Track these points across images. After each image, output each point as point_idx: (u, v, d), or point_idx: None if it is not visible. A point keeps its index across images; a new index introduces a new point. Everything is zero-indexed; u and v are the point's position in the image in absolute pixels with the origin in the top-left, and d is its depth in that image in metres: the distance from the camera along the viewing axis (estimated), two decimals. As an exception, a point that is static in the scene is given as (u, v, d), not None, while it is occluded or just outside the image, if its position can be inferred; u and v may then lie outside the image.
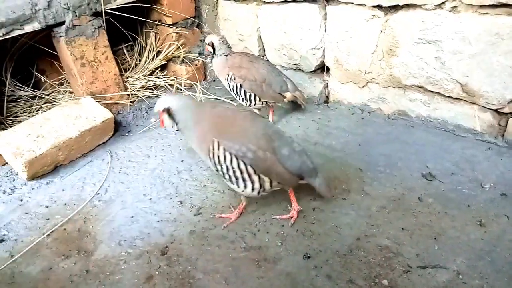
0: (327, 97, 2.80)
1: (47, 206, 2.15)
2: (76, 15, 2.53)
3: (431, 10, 2.07)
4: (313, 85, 2.79)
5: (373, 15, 2.30)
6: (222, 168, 1.66)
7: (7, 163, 2.44)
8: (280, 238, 1.80)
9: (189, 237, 1.87)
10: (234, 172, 1.64)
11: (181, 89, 3.12)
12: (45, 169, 2.35)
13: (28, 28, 2.37)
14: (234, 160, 1.61)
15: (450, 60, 2.11)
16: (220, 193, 2.12)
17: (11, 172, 2.41)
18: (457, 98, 2.21)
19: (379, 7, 2.26)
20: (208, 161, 1.71)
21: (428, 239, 1.70)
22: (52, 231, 1.97)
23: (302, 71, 2.85)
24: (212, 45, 2.43)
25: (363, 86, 2.56)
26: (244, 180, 1.66)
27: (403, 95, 2.42)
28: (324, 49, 2.64)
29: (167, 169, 2.35)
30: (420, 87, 2.32)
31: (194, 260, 1.74)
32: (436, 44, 2.12)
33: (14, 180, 2.36)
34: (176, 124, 1.72)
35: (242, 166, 1.62)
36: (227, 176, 1.69)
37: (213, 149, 1.64)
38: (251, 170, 1.63)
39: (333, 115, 2.67)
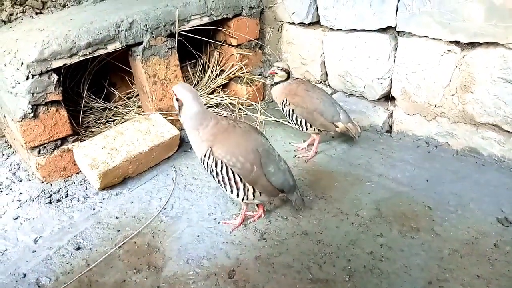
0: (391, 127, 2.77)
1: (117, 217, 2.27)
2: (153, 36, 2.68)
3: (515, 49, 2.01)
4: (376, 113, 2.77)
5: (449, 50, 2.26)
6: (212, 171, 1.87)
7: (80, 171, 2.60)
8: (347, 273, 1.79)
9: (255, 262, 1.90)
10: (222, 177, 1.86)
11: (241, 109, 3.20)
12: (115, 180, 2.48)
13: (110, 48, 2.53)
14: (224, 168, 1.83)
15: (532, 102, 2.03)
16: (283, 219, 2.14)
17: (84, 181, 2.56)
18: (536, 141, 2.12)
19: (456, 42, 2.22)
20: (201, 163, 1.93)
21: (507, 291, 1.64)
22: (123, 243, 2.07)
23: (366, 99, 2.84)
24: (288, 72, 2.50)
25: (431, 119, 2.51)
26: (230, 186, 1.87)
27: (475, 132, 2.35)
28: (391, 79, 2.62)
29: (230, 190, 2.41)
30: (495, 125, 2.24)
31: (261, 287, 1.77)
32: (518, 84, 2.05)
33: (86, 189, 2.50)
34: (179, 112, 1.90)
35: (231, 174, 1.84)
36: (216, 180, 1.90)
37: (205, 156, 1.85)
38: (238, 179, 1.85)
39: (397, 146, 2.63)
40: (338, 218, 2.10)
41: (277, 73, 2.52)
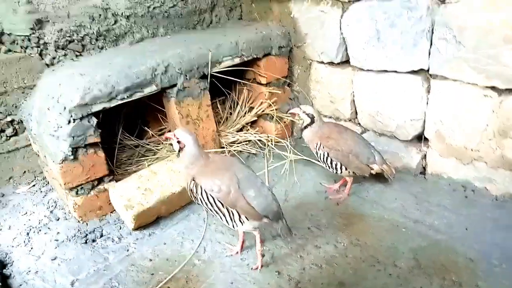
0: (424, 168, 2.72)
1: (150, 260, 2.28)
2: (186, 78, 2.76)
3: (557, 97, 1.96)
4: (409, 155, 2.73)
5: (485, 95, 2.24)
6: (197, 200, 2.04)
7: (114, 210, 2.65)
8: (388, 330, 1.73)
9: (291, 314, 1.87)
10: (206, 204, 2.01)
11: (270, 146, 3.22)
12: (148, 220, 2.52)
13: (146, 91, 2.62)
14: (204, 193, 1.98)
15: None
16: (318, 267, 2.11)
17: (118, 220, 2.60)
18: None
19: (492, 87, 2.20)
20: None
21: None
22: (157, 288, 2.08)
23: (397, 139, 2.82)
24: (312, 117, 2.51)
25: (467, 163, 2.46)
26: (216, 212, 2.01)
27: (515, 178, 2.28)
28: (424, 121, 2.60)
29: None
30: (537, 173, 2.18)
31: None
32: (561, 132, 2.00)
33: (120, 228, 2.54)
34: (178, 153, 2.09)
35: (211, 200, 1.98)
36: (204, 208, 2.08)
37: (189, 184, 2.04)
38: (219, 204, 1.98)
39: (432, 190, 2.57)
40: (375, 268, 2.05)
41: (299, 114, 2.54)
